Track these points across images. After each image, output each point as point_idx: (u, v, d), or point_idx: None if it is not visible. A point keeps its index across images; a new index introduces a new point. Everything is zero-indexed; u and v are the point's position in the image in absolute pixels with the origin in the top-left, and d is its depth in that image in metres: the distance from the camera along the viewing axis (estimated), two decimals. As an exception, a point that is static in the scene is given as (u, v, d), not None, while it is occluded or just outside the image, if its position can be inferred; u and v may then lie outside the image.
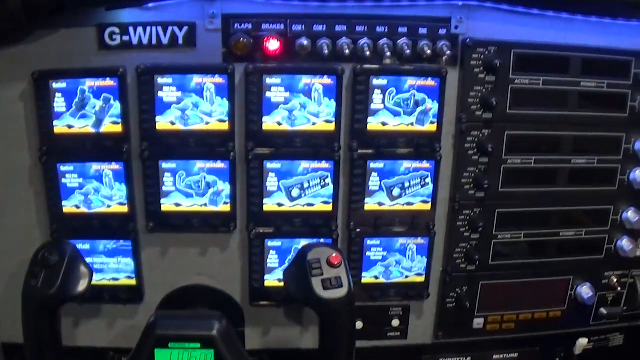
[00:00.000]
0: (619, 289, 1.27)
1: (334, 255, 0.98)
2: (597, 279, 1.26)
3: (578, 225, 1.21)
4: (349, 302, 0.97)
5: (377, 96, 1.07)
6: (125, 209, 1.10)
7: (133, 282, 1.14)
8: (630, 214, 1.22)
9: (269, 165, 1.09)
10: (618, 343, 1.36)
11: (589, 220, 1.21)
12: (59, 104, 1.04)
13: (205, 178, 1.09)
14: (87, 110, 1.05)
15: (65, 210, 1.09)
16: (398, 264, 1.16)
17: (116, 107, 1.05)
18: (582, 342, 1.28)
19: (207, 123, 1.06)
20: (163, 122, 1.06)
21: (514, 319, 1.24)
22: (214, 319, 1.00)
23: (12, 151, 1.07)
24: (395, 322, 1.21)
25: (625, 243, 1.23)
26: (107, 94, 1.04)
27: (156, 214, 1.10)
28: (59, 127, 1.05)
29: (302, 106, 1.06)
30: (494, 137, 1.12)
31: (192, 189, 1.09)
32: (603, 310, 1.28)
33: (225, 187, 1.09)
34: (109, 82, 1.04)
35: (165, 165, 1.08)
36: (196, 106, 1.05)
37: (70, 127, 1.05)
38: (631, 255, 1.23)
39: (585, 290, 1.25)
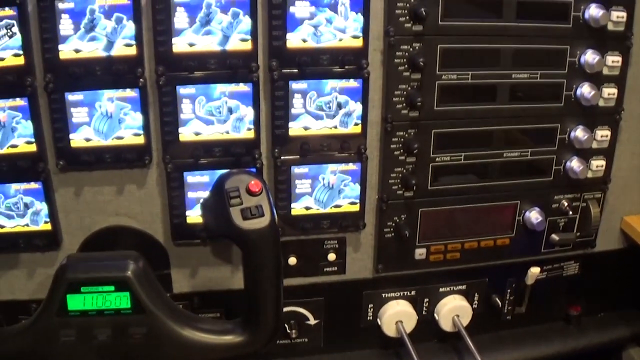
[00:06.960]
0: (571, 213, 1.21)
1: (253, 182, 0.90)
2: (547, 203, 1.20)
3: (523, 146, 1.14)
4: (272, 232, 0.89)
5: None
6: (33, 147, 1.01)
7: (48, 227, 1.06)
8: (578, 133, 1.15)
9: (182, 90, 1.00)
10: (573, 272, 1.31)
11: (534, 140, 1.15)
12: (65, 26, 0.93)
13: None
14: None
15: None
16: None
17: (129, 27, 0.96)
18: (534, 271, 1.23)
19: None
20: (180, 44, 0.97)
21: (458, 248, 1.18)
22: (129, 259, 0.92)
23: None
24: (332, 256, 1.14)
25: (575, 164, 1.17)
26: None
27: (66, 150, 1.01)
28: (65, 52, 0.95)
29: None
30: (426, 50, 1.04)
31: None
32: (554, 237, 1.23)
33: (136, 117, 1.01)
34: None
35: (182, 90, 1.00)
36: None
37: (77, 51, 0.95)
38: (582, 176, 1.17)
39: (535, 215, 1.18)
